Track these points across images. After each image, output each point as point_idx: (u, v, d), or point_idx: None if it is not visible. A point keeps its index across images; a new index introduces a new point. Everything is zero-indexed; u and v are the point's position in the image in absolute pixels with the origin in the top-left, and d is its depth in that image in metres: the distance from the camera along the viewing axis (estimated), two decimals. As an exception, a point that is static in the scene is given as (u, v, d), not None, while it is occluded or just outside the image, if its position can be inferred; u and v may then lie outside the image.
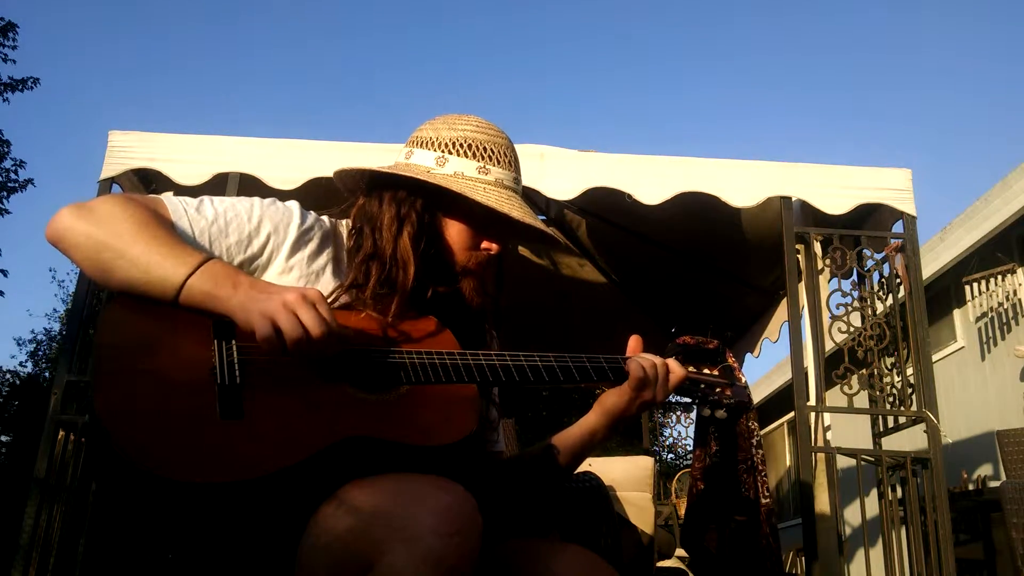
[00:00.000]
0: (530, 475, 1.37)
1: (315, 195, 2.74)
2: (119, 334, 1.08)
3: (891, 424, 3.32)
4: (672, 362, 1.34)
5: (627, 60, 37.75)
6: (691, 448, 2.81)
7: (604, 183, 3.28)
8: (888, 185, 3.35)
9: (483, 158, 1.30)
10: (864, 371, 3.29)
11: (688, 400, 1.40)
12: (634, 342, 1.36)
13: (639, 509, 3.46)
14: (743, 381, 1.42)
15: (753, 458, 2.59)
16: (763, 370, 12.97)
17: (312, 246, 1.25)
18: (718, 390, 1.38)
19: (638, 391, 1.29)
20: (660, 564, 3.92)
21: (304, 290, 1.09)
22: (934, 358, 3.85)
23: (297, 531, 1.00)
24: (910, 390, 3.20)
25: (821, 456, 3.16)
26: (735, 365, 1.44)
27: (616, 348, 1.36)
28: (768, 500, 2.57)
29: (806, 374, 3.34)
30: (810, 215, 3.45)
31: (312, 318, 1.06)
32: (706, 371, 1.40)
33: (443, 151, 1.30)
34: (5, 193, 14.25)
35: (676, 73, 38.50)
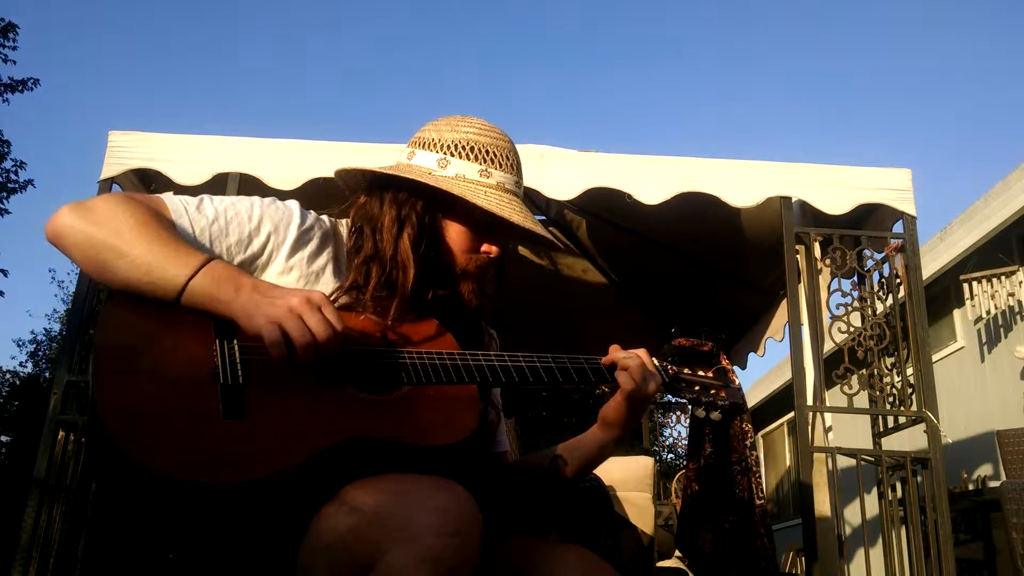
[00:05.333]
0: (535, 484, 1.37)
1: (315, 195, 2.74)
2: (119, 334, 1.08)
3: (891, 424, 3.32)
4: (638, 350, 1.32)
5: (628, 59, 37.76)
6: (688, 451, 2.81)
7: (604, 183, 3.28)
8: (888, 185, 3.35)
9: (485, 161, 1.30)
10: (864, 371, 3.29)
11: (684, 401, 1.40)
12: (612, 350, 1.33)
13: (639, 509, 3.46)
14: (737, 383, 1.42)
15: (747, 459, 2.60)
16: (763, 370, 12.98)
17: (312, 246, 1.25)
18: (712, 392, 1.39)
19: (630, 388, 1.27)
20: (660, 564, 3.92)
21: (308, 293, 1.09)
22: (934, 358, 3.85)
23: (298, 531, 1.00)
24: (910, 390, 3.20)
25: (821, 456, 3.16)
26: (729, 367, 1.45)
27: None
28: (762, 501, 2.58)
29: (806, 374, 3.34)
30: (810, 215, 3.45)
31: (318, 322, 1.06)
32: (700, 373, 1.40)
33: (445, 153, 1.30)
34: (5, 193, 14.28)
35: (677, 72, 38.52)
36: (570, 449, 1.34)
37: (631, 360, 1.28)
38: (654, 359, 1.34)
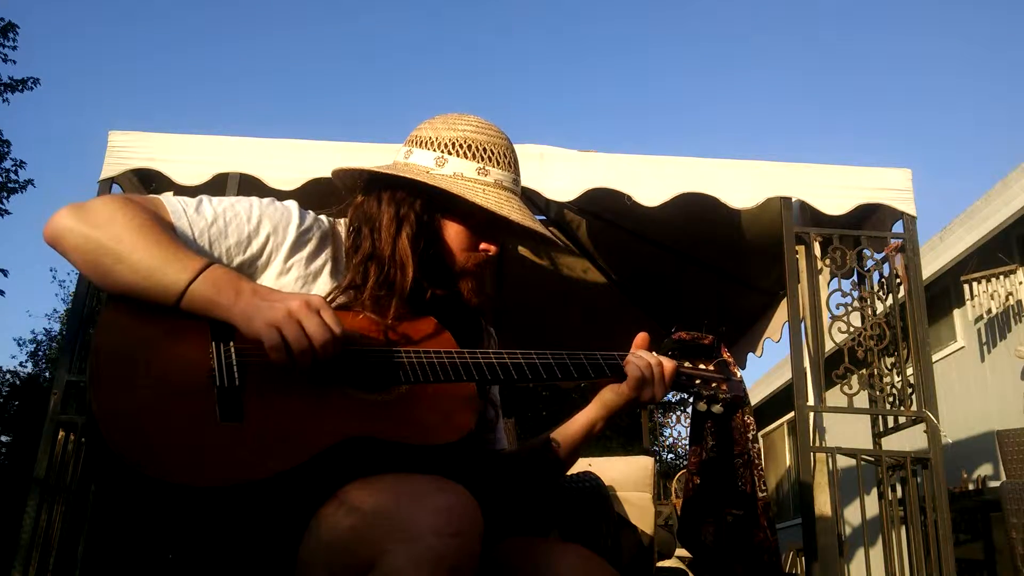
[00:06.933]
0: (530, 468, 1.38)
1: (315, 195, 2.74)
2: (117, 336, 1.08)
3: (891, 424, 3.32)
4: (664, 359, 1.34)
5: (628, 59, 37.75)
6: (689, 446, 2.81)
7: (604, 183, 3.28)
8: (888, 185, 3.35)
9: (483, 159, 1.30)
10: (864, 371, 3.29)
11: (685, 395, 1.41)
12: (640, 339, 1.36)
13: (639, 509, 3.46)
14: (738, 376, 1.42)
15: (749, 452, 2.59)
16: (763, 370, 12.98)
17: (311, 247, 1.25)
18: (714, 385, 1.39)
19: (637, 390, 1.30)
20: (660, 564, 3.92)
21: (307, 297, 1.09)
22: (934, 358, 3.85)
23: (298, 531, 1.00)
24: (910, 390, 3.20)
25: (821, 456, 3.16)
26: (730, 360, 1.45)
27: (616, 348, 1.36)
28: (765, 494, 2.57)
29: (806, 374, 3.34)
30: (810, 215, 3.45)
31: (317, 327, 1.06)
32: (702, 366, 1.40)
33: (442, 151, 1.29)
34: (5, 193, 14.26)
35: (677, 72, 38.51)
36: (562, 431, 1.36)
37: (650, 359, 1.31)
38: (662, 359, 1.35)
